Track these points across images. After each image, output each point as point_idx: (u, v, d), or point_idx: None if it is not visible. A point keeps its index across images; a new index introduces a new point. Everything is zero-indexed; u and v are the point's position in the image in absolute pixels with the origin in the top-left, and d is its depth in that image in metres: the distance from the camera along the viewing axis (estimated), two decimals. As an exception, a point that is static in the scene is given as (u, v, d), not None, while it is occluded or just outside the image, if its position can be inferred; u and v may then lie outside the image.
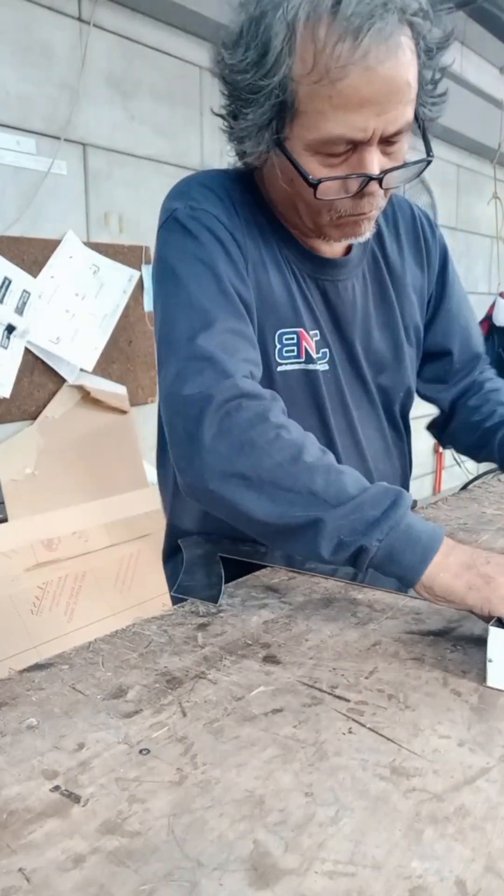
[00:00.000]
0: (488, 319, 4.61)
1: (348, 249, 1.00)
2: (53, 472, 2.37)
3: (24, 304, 2.32)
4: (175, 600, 0.91)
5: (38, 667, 0.72)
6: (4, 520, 2.25)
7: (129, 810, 0.51)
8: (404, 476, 1.16)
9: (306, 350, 0.94)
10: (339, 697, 0.66)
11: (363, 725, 0.62)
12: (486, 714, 0.63)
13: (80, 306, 2.48)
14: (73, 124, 2.40)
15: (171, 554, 1.14)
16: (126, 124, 2.59)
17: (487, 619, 0.71)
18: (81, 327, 2.48)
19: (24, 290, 2.32)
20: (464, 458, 5.00)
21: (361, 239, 0.91)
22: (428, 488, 4.86)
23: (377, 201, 0.85)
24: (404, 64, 0.75)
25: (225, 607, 0.87)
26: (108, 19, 2.49)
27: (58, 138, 2.37)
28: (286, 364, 0.94)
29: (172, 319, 0.85)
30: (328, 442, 0.99)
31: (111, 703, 0.65)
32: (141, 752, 0.58)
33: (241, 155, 0.87)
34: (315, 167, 0.80)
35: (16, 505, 2.26)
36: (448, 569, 0.73)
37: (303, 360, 0.94)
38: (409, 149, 0.86)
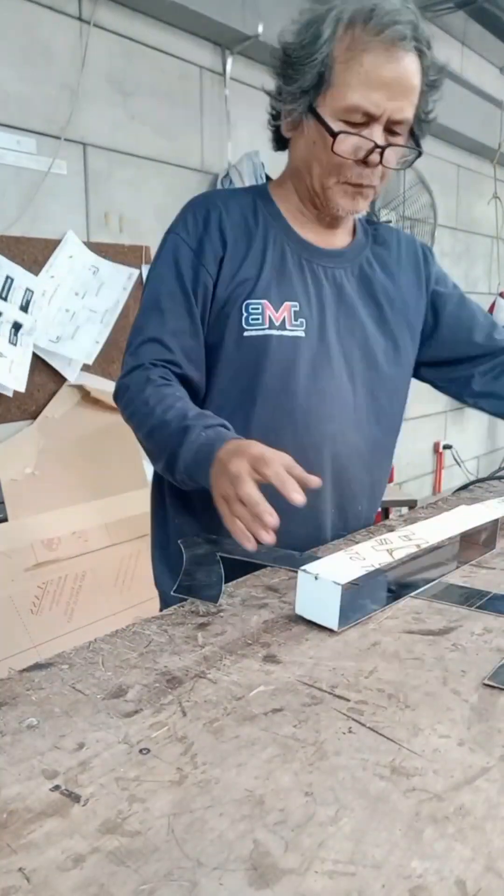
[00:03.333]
0: (488, 319, 4.60)
1: (346, 246, 1.21)
2: (53, 471, 2.37)
3: (29, 301, 2.32)
4: (173, 600, 0.91)
5: (38, 666, 0.72)
6: (4, 519, 2.25)
7: (129, 810, 0.51)
8: (374, 453, 1.25)
9: (270, 318, 1.11)
10: (339, 697, 0.66)
11: (363, 725, 0.62)
12: (486, 714, 0.63)
13: (79, 305, 2.47)
14: (73, 124, 2.40)
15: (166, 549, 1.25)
16: (126, 124, 2.58)
17: None
18: (82, 325, 2.48)
19: (28, 289, 2.31)
20: (464, 458, 5.00)
21: (357, 213, 1.13)
22: (428, 488, 4.86)
23: (375, 176, 1.07)
24: (411, 69, 1.01)
25: (225, 607, 0.87)
26: (109, 19, 2.49)
27: (58, 138, 2.37)
28: (252, 330, 1.10)
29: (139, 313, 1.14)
30: (290, 398, 1.12)
31: (111, 702, 0.65)
32: (141, 751, 0.58)
33: (282, 115, 1.09)
34: (337, 128, 1.03)
35: (16, 505, 2.26)
36: (217, 475, 0.90)
37: (266, 326, 1.10)
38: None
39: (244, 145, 2.94)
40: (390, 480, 3.58)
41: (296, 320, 1.12)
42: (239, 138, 2.95)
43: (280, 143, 1.16)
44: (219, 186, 3.00)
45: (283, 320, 1.11)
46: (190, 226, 1.12)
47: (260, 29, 2.78)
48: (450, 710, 0.64)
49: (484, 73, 4.64)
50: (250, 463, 0.84)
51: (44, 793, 0.53)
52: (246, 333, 1.10)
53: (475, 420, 5.30)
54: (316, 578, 0.80)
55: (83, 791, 0.53)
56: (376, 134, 1.02)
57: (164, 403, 1.01)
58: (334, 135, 1.02)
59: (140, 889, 0.44)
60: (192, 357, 1.11)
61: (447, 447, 4.90)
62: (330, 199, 1.10)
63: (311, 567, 0.82)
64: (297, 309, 1.12)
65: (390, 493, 3.07)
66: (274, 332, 1.11)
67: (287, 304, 1.12)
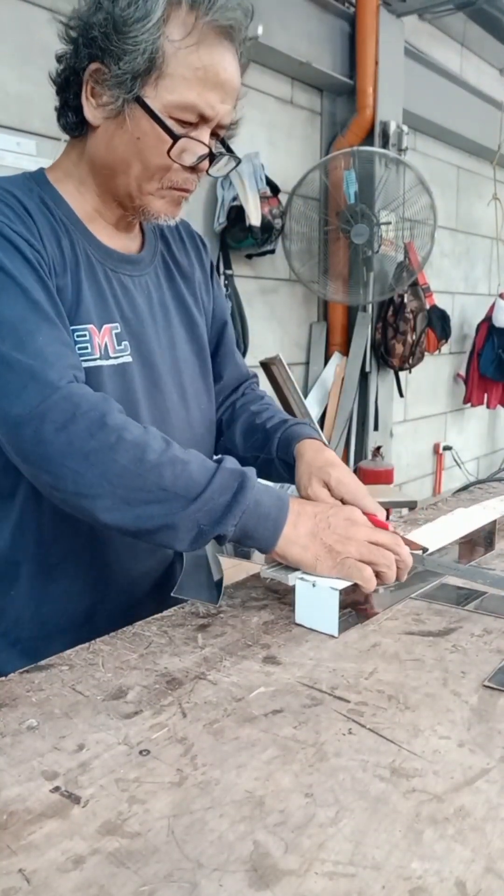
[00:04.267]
0: (488, 321, 4.61)
1: (139, 249, 1.04)
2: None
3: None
4: (175, 601, 0.91)
5: (38, 668, 0.72)
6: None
7: (128, 811, 0.51)
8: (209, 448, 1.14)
9: (98, 346, 0.93)
10: (338, 698, 0.66)
11: (363, 726, 0.62)
12: (486, 715, 0.63)
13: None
14: (73, 126, 2.40)
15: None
16: (126, 126, 2.59)
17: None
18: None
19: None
20: (464, 459, 5.01)
21: (171, 222, 0.97)
22: (428, 489, 4.86)
23: (195, 182, 0.95)
24: (237, 69, 0.90)
25: (225, 608, 0.87)
26: (109, 21, 2.49)
27: (58, 139, 2.37)
28: (82, 362, 0.90)
29: None
30: None
31: (111, 704, 0.65)
32: (141, 752, 0.58)
33: (87, 93, 0.89)
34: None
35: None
36: (297, 541, 0.83)
37: (97, 356, 0.92)
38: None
39: (244, 146, 2.94)
40: (389, 481, 3.58)
41: (119, 344, 0.95)
42: (238, 139, 2.96)
43: (76, 125, 0.94)
44: (218, 187, 3.00)
45: (107, 346, 0.94)
46: (9, 213, 0.87)
47: (259, 30, 2.79)
48: (450, 712, 0.64)
49: (483, 75, 4.65)
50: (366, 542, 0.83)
51: (44, 794, 0.53)
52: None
53: (475, 421, 5.30)
54: (313, 586, 0.80)
55: (83, 792, 0.53)
56: (205, 137, 0.90)
57: (160, 442, 0.82)
58: (175, 138, 0.87)
59: (140, 890, 0.44)
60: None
61: (447, 448, 4.90)
62: (148, 204, 0.94)
63: (308, 575, 0.82)
64: (118, 331, 0.96)
65: (390, 495, 3.07)
66: (104, 362, 0.93)
67: (107, 326, 0.94)
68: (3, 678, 0.70)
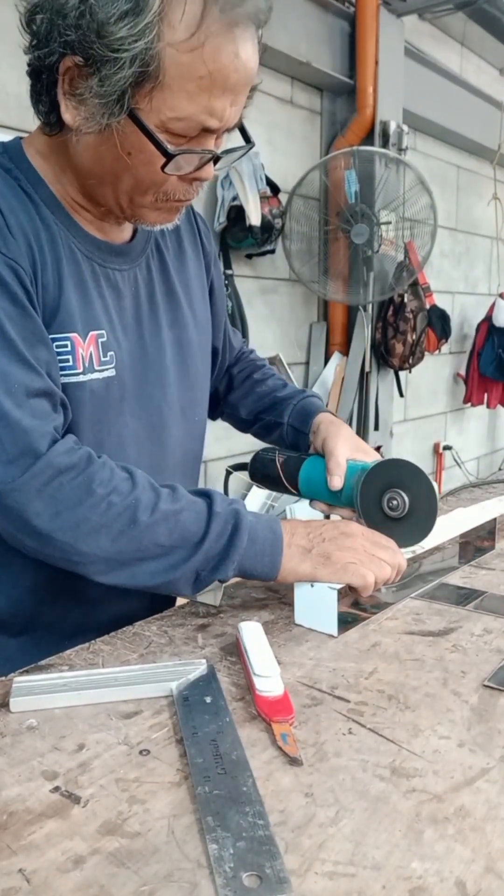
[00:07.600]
0: (488, 320, 4.60)
1: (131, 236, 0.91)
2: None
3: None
4: (175, 601, 0.91)
5: (38, 668, 0.72)
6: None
7: (129, 811, 0.51)
8: (200, 457, 1.07)
9: (81, 357, 0.82)
10: (339, 698, 0.66)
11: (363, 726, 0.62)
12: (486, 715, 0.63)
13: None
14: (73, 125, 2.40)
15: None
16: (126, 125, 2.59)
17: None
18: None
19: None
20: (464, 459, 5.01)
21: (169, 226, 0.86)
22: (428, 489, 4.86)
23: (197, 192, 0.83)
24: (255, 55, 0.74)
25: (225, 608, 0.87)
26: (108, 21, 2.49)
27: (58, 139, 2.37)
28: (63, 377, 0.80)
29: None
30: (122, 455, 0.86)
31: (111, 703, 0.65)
32: (141, 752, 0.58)
33: (61, 93, 0.75)
34: (164, 140, 0.74)
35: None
36: (291, 558, 0.81)
37: (79, 370, 0.82)
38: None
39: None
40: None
41: (105, 355, 0.84)
42: (238, 138, 2.96)
43: (54, 123, 0.78)
44: (218, 187, 3.00)
45: (91, 358, 0.83)
46: None
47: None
48: (450, 711, 0.64)
49: (483, 75, 4.64)
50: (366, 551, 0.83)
51: (44, 794, 0.53)
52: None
53: (475, 421, 5.30)
54: (311, 586, 0.80)
55: (83, 792, 0.53)
56: (209, 144, 0.77)
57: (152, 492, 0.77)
58: (170, 157, 0.74)
59: (140, 890, 0.44)
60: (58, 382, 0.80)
61: (447, 448, 4.90)
62: (141, 216, 0.83)
63: None
64: (105, 339, 0.84)
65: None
66: (88, 376, 0.82)
67: (93, 334, 0.83)
68: (3, 678, 0.70)
